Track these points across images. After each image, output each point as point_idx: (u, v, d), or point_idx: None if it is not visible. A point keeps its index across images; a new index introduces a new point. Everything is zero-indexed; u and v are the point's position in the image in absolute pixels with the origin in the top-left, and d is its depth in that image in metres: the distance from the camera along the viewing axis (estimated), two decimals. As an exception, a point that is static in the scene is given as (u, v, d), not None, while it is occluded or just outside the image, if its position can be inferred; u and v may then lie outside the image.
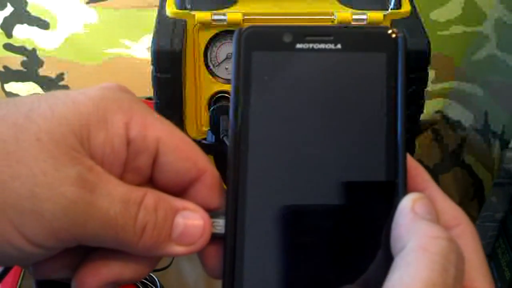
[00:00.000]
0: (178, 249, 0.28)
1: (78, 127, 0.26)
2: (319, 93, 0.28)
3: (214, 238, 0.28)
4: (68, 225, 0.25)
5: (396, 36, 0.28)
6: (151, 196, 0.28)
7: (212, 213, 0.29)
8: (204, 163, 0.30)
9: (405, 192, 0.27)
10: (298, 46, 0.28)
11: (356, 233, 0.27)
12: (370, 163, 0.27)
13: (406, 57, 0.28)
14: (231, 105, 0.28)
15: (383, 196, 0.27)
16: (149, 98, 0.84)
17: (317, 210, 0.27)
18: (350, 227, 0.27)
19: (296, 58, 0.28)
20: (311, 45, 0.28)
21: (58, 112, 0.26)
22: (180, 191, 0.30)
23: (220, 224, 0.28)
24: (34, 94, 0.28)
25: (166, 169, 0.29)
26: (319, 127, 0.28)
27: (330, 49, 0.28)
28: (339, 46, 0.28)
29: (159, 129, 0.29)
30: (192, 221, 0.28)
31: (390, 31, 0.28)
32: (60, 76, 0.97)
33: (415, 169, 0.30)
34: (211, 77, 0.61)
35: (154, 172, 0.30)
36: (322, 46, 0.28)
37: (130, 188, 0.27)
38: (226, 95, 0.61)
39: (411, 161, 0.29)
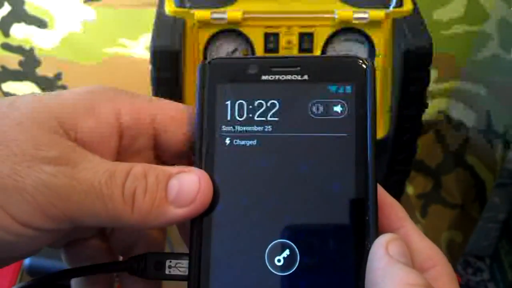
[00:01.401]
0: (178, 211, 0.27)
1: (63, 116, 0.27)
2: (285, 127, 0.27)
3: (178, 279, 0.28)
4: (52, 198, 0.25)
5: (365, 65, 0.27)
6: (140, 165, 0.27)
7: (176, 254, 0.28)
8: None
9: (377, 232, 0.26)
10: (264, 77, 0.28)
11: (328, 277, 0.26)
12: (339, 203, 0.26)
13: (375, 87, 0.27)
14: (195, 138, 0.28)
15: (354, 238, 0.26)
16: (148, 98, 0.83)
17: (283, 251, 0.26)
18: (320, 271, 0.26)
19: (261, 89, 0.28)
20: (277, 77, 0.28)
21: (42, 102, 0.27)
22: (188, 161, 0.30)
23: (184, 266, 0.28)
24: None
25: (169, 143, 0.29)
26: (285, 166, 0.27)
27: (297, 80, 0.27)
28: (305, 77, 0.27)
29: (151, 109, 0.29)
30: (187, 179, 0.27)
31: (358, 60, 0.28)
32: (58, 76, 0.97)
33: (390, 206, 0.29)
34: (210, 76, 0.61)
35: (159, 149, 0.30)
36: (288, 77, 0.27)
37: (117, 163, 0.27)
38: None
39: (385, 198, 0.28)
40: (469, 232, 0.95)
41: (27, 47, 0.93)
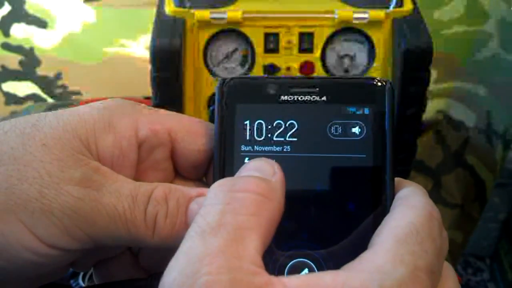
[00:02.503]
0: None
1: (84, 133, 0.28)
2: (303, 148, 0.27)
3: None
4: (78, 222, 0.26)
5: (383, 87, 0.27)
6: (161, 188, 0.28)
7: None
8: None
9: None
10: (283, 98, 0.28)
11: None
12: (355, 223, 0.26)
13: (394, 108, 0.27)
14: (214, 156, 0.28)
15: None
16: (148, 98, 0.83)
17: (302, 270, 0.27)
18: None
19: (280, 110, 0.28)
20: (295, 97, 0.28)
21: (63, 121, 0.28)
22: (205, 172, 0.31)
23: None
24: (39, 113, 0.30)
25: (186, 153, 0.30)
26: (303, 185, 0.27)
27: (315, 101, 0.28)
28: (324, 98, 0.28)
29: (167, 121, 0.30)
30: None
31: (377, 82, 0.27)
32: (58, 76, 0.97)
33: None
34: (210, 76, 0.60)
35: (176, 161, 0.30)
36: (307, 98, 0.28)
37: (140, 184, 0.28)
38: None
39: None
40: (469, 232, 0.95)
41: (27, 46, 0.93)
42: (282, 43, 0.60)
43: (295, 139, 0.27)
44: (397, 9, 0.59)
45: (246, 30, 0.59)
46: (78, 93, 0.98)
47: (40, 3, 0.89)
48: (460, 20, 0.90)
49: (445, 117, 0.98)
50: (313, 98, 0.28)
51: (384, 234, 0.24)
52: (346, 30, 0.60)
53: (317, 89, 0.28)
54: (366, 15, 0.58)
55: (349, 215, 0.26)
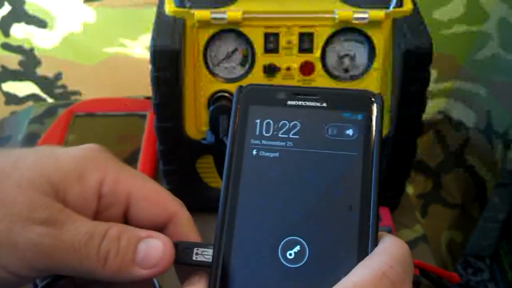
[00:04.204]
0: (142, 272, 0.32)
1: (56, 181, 0.31)
2: (304, 144, 0.32)
3: (204, 265, 0.31)
4: (39, 255, 0.30)
5: (375, 99, 0.32)
6: (115, 228, 0.32)
7: (203, 244, 0.32)
8: (174, 207, 0.34)
9: (376, 237, 0.30)
10: (289, 102, 0.33)
11: (332, 270, 0.30)
12: (344, 209, 0.31)
13: (382, 116, 0.32)
14: (228, 147, 0.32)
15: (356, 240, 0.30)
16: (148, 97, 0.83)
17: (294, 247, 0.30)
18: (326, 265, 0.30)
19: (286, 112, 0.33)
20: (300, 102, 0.33)
21: (41, 165, 0.32)
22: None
23: (209, 253, 0.31)
24: (23, 149, 0.35)
25: (138, 217, 0.34)
26: (300, 175, 0.31)
27: (316, 107, 0.33)
28: (324, 104, 0.33)
29: (130, 183, 0.34)
30: (153, 244, 0.32)
31: (369, 94, 0.32)
32: (58, 76, 0.97)
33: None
34: (210, 76, 0.60)
35: (127, 219, 0.34)
36: (309, 103, 0.33)
37: (97, 223, 0.32)
38: (226, 94, 0.61)
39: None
40: (469, 232, 0.95)
41: (27, 47, 0.94)
42: (282, 43, 0.59)
43: (297, 137, 0.32)
44: (397, 9, 0.59)
45: (246, 30, 0.59)
46: (78, 93, 0.99)
47: (40, 3, 0.89)
48: (460, 20, 0.90)
49: (445, 117, 0.98)
50: (315, 104, 0.33)
51: None
52: (346, 30, 0.60)
53: (318, 96, 0.33)
54: (366, 15, 0.58)
55: (338, 202, 0.31)
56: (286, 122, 0.32)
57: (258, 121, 0.33)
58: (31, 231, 0.30)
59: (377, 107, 0.32)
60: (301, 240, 0.30)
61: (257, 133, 0.32)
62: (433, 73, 0.73)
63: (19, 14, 0.90)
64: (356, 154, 0.31)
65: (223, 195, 0.31)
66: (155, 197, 0.34)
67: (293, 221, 0.31)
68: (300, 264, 0.30)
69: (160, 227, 0.34)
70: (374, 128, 0.32)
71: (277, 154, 0.32)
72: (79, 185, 0.32)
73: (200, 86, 0.61)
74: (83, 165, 0.33)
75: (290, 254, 0.30)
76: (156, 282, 0.61)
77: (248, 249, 0.30)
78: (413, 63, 0.58)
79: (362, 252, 0.29)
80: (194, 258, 0.32)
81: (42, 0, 0.89)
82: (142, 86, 0.70)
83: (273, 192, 0.31)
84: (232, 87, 0.61)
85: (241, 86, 0.33)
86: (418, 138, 0.64)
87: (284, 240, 0.30)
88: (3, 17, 0.90)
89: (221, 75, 0.61)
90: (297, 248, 0.30)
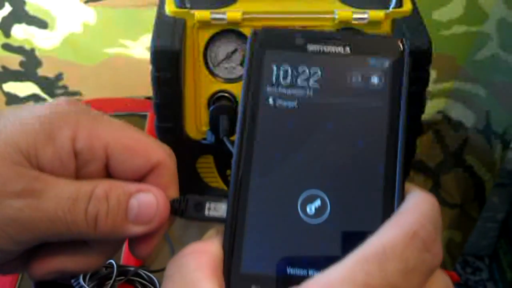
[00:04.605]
0: (136, 229, 0.30)
1: (25, 147, 0.29)
2: (325, 94, 0.29)
3: (216, 221, 0.30)
4: (21, 229, 0.28)
5: (402, 44, 0.30)
6: (102, 186, 0.30)
7: (215, 197, 0.31)
8: (158, 156, 0.32)
9: (403, 191, 0.28)
10: (310, 48, 0.30)
11: (356, 227, 0.28)
12: (369, 162, 0.29)
13: (409, 63, 0.30)
14: (242, 96, 0.30)
15: (381, 194, 0.28)
16: (149, 98, 0.84)
17: (315, 201, 0.29)
18: (349, 221, 0.28)
19: (306, 58, 0.30)
20: (321, 48, 0.30)
21: (5, 134, 0.29)
22: (139, 180, 0.32)
23: (222, 208, 0.30)
24: None
25: (119, 169, 0.31)
26: (321, 127, 0.29)
27: (339, 53, 0.30)
28: (348, 50, 0.30)
29: (106, 134, 0.31)
30: (146, 200, 0.30)
31: (396, 39, 0.30)
32: (59, 76, 0.97)
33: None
34: (210, 76, 0.61)
35: (109, 172, 0.32)
36: (332, 49, 0.30)
37: (80, 184, 0.30)
38: (226, 94, 0.61)
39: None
40: (468, 232, 0.95)
41: (28, 47, 0.94)
42: (282, 43, 0.60)
43: (317, 85, 0.30)
44: (397, 10, 0.59)
45: (246, 31, 0.59)
46: (78, 93, 0.99)
47: (41, 3, 0.90)
48: (460, 21, 0.90)
49: (444, 117, 0.98)
50: (338, 49, 0.30)
51: (358, 251, 0.25)
52: (346, 30, 0.60)
53: (342, 41, 0.30)
54: (365, 16, 0.58)
55: (362, 155, 0.29)
56: (306, 69, 0.30)
57: (274, 66, 0.30)
58: (8, 206, 0.28)
59: (405, 53, 0.30)
60: (322, 194, 0.28)
61: (274, 80, 0.30)
62: (433, 74, 0.74)
63: (20, 15, 0.90)
64: (382, 104, 0.29)
65: (237, 147, 0.29)
66: (135, 146, 0.31)
67: (313, 174, 0.29)
68: (321, 220, 0.28)
69: (143, 176, 0.32)
70: (402, 77, 0.29)
71: (295, 103, 0.29)
72: (51, 146, 0.29)
73: (200, 86, 0.61)
74: (51, 123, 0.30)
75: (311, 209, 0.28)
76: (157, 283, 0.61)
77: (265, 203, 0.28)
78: (413, 63, 0.58)
79: (388, 208, 0.28)
80: (206, 213, 0.30)
81: (43, 0, 0.89)
82: (142, 86, 0.70)
83: (291, 143, 0.29)
84: (232, 87, 0.61)
85: (256, 30, 0.31)
86: (417, 138, 0.64)
87: (304, 194, 0.29)
88: (4, 18, 0.90)
89: (221, 75, 0.61)
90: (318, 203, 0.28)
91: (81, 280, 0.56)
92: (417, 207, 0.27)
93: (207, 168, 0.66)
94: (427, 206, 0.27)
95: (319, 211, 0.28)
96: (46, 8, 0.90)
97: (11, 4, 0.89)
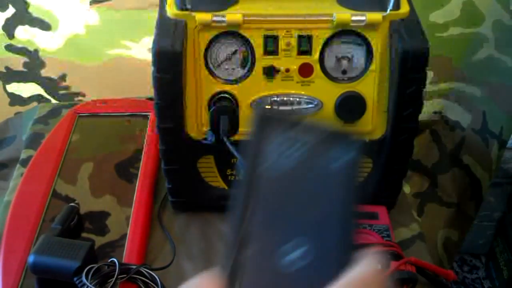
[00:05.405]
0: None
1: None
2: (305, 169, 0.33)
3: None
4: None
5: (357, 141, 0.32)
6: None
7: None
8: None
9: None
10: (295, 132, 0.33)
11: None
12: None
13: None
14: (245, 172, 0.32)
15: None
16: (150, 98, 0.84)
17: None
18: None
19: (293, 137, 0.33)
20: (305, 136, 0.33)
21: None
22: None
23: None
24: None
25: None
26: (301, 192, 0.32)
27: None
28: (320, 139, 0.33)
29: None
30: None
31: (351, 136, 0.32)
32: (62, 77, 0.98)
33: None
34: (211, 77, 0.61)
35: None
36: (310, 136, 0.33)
37: None
38: (226, 95, 0.61)
39: None
40: (465, 231, 0.96)
41: (31, 48, 0.94)
42: (281, 45, 0.60)
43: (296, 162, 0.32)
44: (394, 12, 0.60)
45: (246, 32, 0.60)
46: (81, 94, 0.99)
47: (44, 5, 0.90)
48: (456, 22, 0.91)
49: (441, 118, 0.99)
50: (314, 137, 0.32)
51: None
52: (344, 32, 0.60)
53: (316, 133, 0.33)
54: (363, 18, 0.59)
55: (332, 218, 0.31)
56: (292, 147, 0.33)
57: (269, 147, 0.33)
58: None
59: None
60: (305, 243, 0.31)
61: (267, 157, 0.33)
62: (430, 75, 0.74)
63: (23, 16, 0.90)
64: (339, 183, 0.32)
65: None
66: None
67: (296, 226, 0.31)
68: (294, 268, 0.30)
69: None
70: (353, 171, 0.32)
71: (284, 172, 0.33)
72: None
73: (201, 87, 0.62)
74: None
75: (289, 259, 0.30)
76: (159, 281, 0.61)
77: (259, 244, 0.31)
78: (410, 64, 0.59)
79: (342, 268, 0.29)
80: None
81: (46, 2, 0.90)
82: (144, 87, 0.71)
83: (279, 202, 0.32)
84: (232, 88, 0.62)
85: (260, 115, 0.34)
86: (414, 138, 0.65)
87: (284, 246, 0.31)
88: (7, 19, 0.91)
89: (221, 76, 0.62)
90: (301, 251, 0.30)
91: (83, 278, 0.57)
92: (357, 276, 0.28)
93: (207, 168, 0.66)
94: (370, 277, 0.28)
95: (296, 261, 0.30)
96: (49, 10, 0.91)
97: (14, 6, 0.90)
